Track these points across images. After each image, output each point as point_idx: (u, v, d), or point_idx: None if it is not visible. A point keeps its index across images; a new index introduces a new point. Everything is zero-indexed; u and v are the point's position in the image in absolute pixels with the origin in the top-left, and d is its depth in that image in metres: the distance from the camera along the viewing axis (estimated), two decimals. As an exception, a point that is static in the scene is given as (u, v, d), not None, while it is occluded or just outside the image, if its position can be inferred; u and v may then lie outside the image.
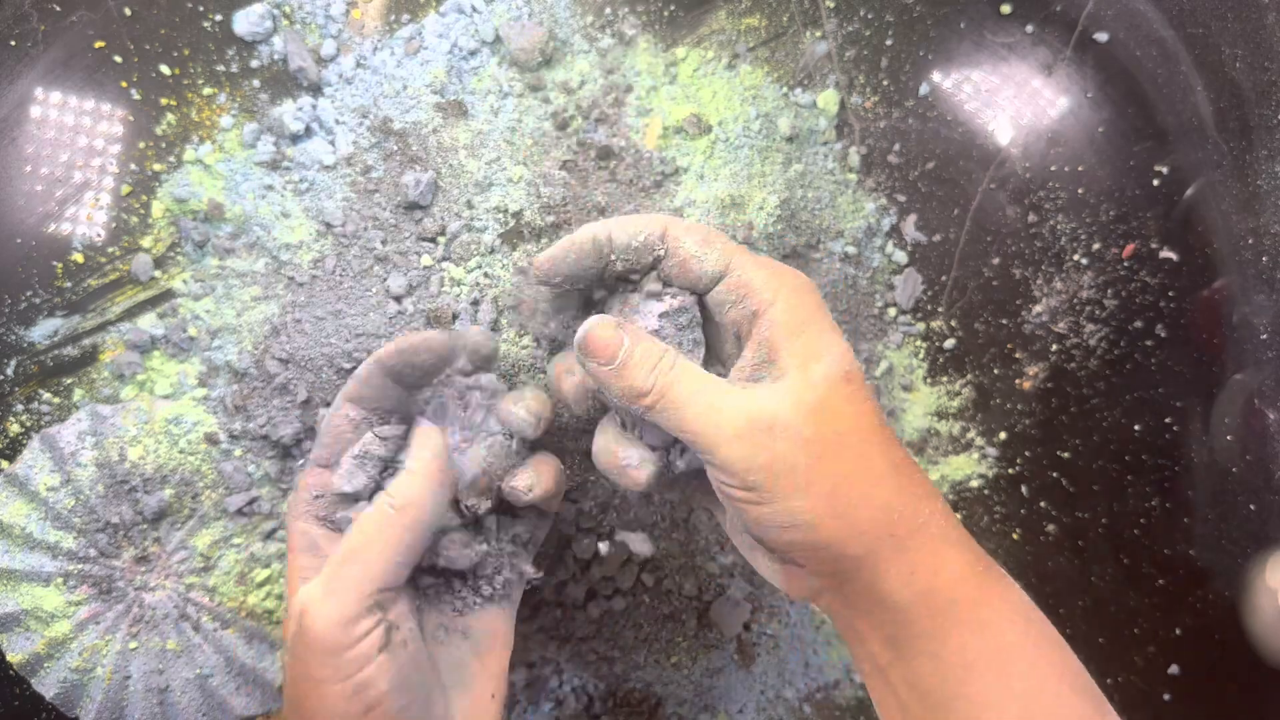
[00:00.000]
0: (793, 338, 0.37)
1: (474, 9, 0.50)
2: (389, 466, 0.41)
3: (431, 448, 0.40)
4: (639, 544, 0.51)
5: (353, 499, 0.40)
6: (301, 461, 0.48)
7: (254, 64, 0.49)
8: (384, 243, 0.48)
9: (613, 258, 0.39)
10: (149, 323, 0.49)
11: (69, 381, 0.49)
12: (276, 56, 0.49)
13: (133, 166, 0.49)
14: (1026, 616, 0.37)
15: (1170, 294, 0.53)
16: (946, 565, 0.36)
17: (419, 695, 0.39)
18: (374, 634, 0.37)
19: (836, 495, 0.36)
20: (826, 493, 0.36)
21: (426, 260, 0.48)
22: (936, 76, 0.53)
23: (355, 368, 0.47)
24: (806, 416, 0.36)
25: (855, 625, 0.39)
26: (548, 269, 0.40)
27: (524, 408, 0.42)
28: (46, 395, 0.49)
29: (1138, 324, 0.53)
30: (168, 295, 0.49)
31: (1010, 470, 0.55)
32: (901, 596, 0.36)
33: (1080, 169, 0.53)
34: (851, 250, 0.53)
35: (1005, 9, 0.52)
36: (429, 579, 0.42)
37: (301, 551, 0.40)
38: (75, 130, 0.49)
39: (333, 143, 0.49)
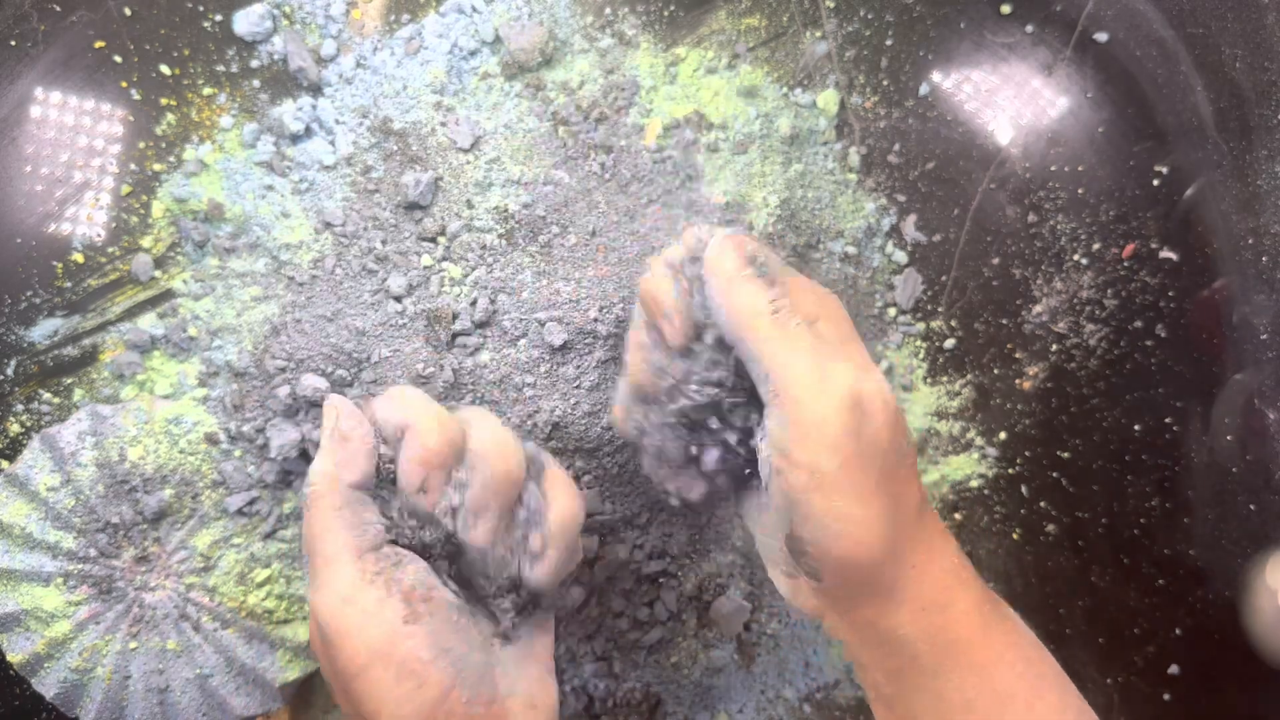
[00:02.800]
0: (838, 355, 0.36)
1: (474, 9, 0.50)
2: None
3: (329, 420, 0.40)
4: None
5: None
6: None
7: (254, 64, 0.50)
8: (384, 243, 0.48)
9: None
10: (149, 323, 0.49)
11: (69, 381, 0.49)
12: (276, 56, 0.50)
13: (133, 166, 0.49)
14: (1026, 657, 0.37)
15: (1170, 294, 0.53)
16: (955, 603, 0.36)
17: (467, 664, 0.36)
18: (392, 602, 0.35)
19: (886, 515, 0.34)
20: (882, 510, 0.34)
21: (426, 260, 0.48)
22: (936, 76, 0.53)
23: (356, 369, 0.47)
24: (889, 418, 0.34)
25: (860, 654, 0.38)
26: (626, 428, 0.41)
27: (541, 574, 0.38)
28: (46, 395, 0.49)
29: (1138, 324, 0.53)
30: (168, 295, 0.49)
31: (1010, 470, 0.55)
32: (908, 631, 0.36)
33: (1080, 169, 0.53)
34: (851, 250, 0.53)
35: (1005, 9, 0.52)
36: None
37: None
38: (75, 130, 0.49)
39: (333, 143, 0.49)
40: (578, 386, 0.48)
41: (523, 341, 0.48)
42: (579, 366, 0.48)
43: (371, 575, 0.36)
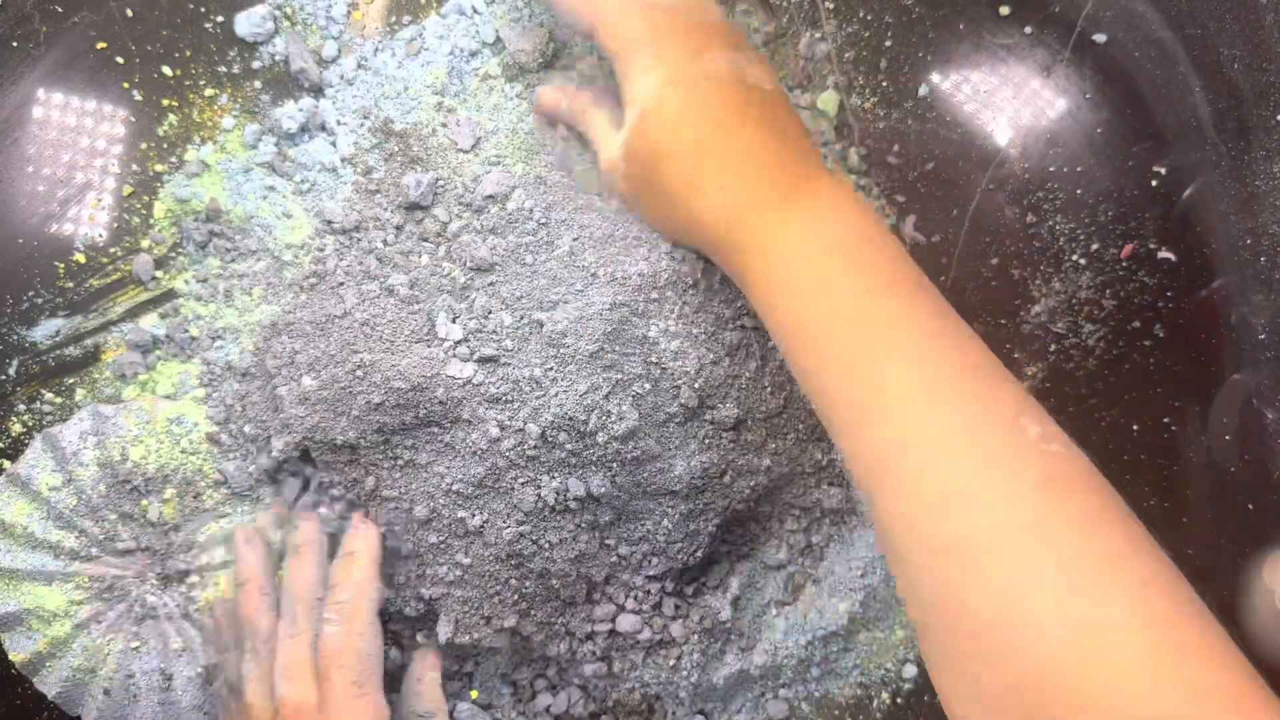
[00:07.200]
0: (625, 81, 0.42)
1: (475, 10, 0.50)
2: None
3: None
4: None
5: None
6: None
7: (255, 65, 0.50)
8: (385, 243, 0.48)
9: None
10: (151, 323, 0.49)
11: (71, 381, 0.49)
12: (278, 58, 0.50)
13: (134, 167, 0.49)
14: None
15: (1168, 294, 0.53)
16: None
17: None
18: None
19: (672, 218, 0.43)
20: (662, 217, 0.44)
21: (427, 260, 0.48)
22: (935, 78, 0.53)
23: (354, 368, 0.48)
24: (623, 158, 0.43)
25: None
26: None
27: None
28: (49, 395, 0.49)
29: (1136, 324, 0.53)
30: (169, 295, 0.49)
31: (1009, 470, 0.55)
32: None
33: (1079, 170, 0.53)
34: (851, 251, 0.53)
35: (1004, 10, 0.53)
36: None
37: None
38: (77, 131, 0.49)
39: (334, 144, 0.49)
40: (578, 385, 0.48)
41: (523, 341, 0.48)
42: (579, 365, 0.48)
43: None
